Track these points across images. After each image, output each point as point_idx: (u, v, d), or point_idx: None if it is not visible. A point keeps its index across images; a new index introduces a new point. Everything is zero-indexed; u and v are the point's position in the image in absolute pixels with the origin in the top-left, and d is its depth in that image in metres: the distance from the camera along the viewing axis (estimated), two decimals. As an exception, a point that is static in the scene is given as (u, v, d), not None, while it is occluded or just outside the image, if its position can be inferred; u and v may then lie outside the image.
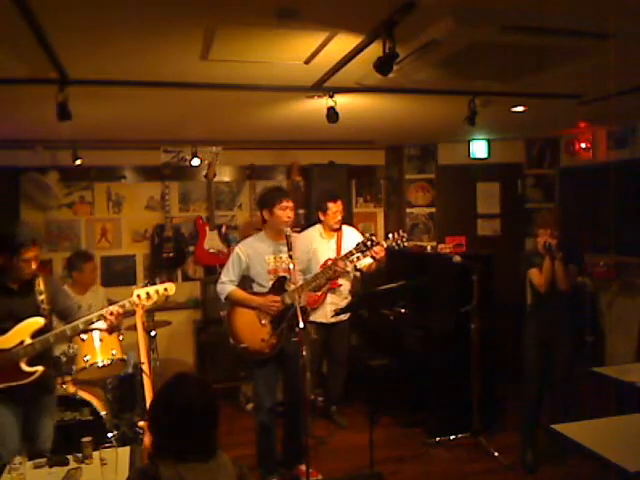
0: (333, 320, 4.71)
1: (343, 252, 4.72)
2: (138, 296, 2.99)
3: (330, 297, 4.74)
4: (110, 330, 3.17)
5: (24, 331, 2.92)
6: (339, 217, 4.75)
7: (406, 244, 3.87)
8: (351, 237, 4.86)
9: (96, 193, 5.73)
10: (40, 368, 2.94)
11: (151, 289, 3.02)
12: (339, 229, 4.83)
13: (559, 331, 3.92)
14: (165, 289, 3.04)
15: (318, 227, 4.84)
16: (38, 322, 2.95)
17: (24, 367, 2.91)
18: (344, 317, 4.74)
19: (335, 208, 4.71)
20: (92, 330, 3.18)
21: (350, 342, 5.23)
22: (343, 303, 4.73)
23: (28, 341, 2.90)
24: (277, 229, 3.71)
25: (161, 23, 2.34)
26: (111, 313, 2.99)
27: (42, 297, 3.03)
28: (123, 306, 3.03)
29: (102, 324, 3.05)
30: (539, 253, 3.88)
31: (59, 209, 5.61)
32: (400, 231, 3.84)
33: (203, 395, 1.89)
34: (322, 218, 4.78)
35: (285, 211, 3.68)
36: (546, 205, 6.16)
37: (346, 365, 5.00)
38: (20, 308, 2.96)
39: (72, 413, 3.72)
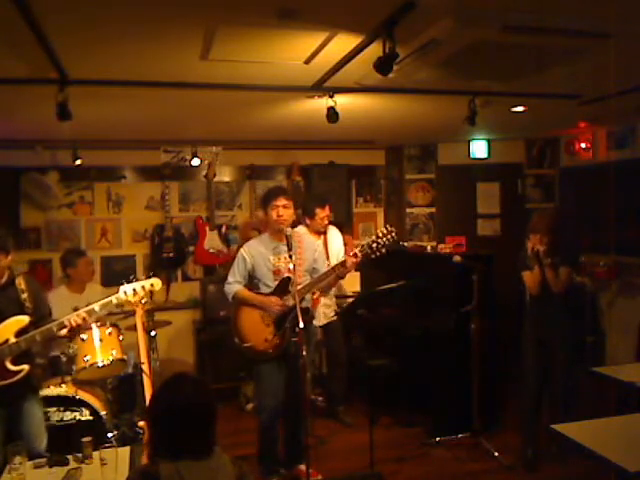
0: (325, 321, 4.72)
1: (330, 252, 4.72)
2: (125, 292, 3.00)
3: (322, 299, 4.70)
4: (70, 336, 3.13)
5: (8, 329, 2.91)
6: (326, 222, 4.69)
7: (394, 237, 3.68)
8: (336, 237, 4.87)
9: (96, 193, 5.72)
10: (26, 367, 2.94)
11: (137, 285, 3.03)
12: (325, 232, 4.80)
13: (557, 331, 3.92)
14: (151, 284, 3.06)
15: (301, 229, 4.61)
16: (23, 320, 2.95)
17: (9, 366, 2.90)
18: (334, 316, 4.76)
19: (323, 214, 4.64)
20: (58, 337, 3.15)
21: (348, 341, 5.22)
22: (332, 302, 4.79)
23: (13, 340, 2.89)
24: (276, 229, 3.70)
25: (161, 23, 2.34)
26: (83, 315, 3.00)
27: (25, 295, 3.03)
28: (107, 304, 3.03)
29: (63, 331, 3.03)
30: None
31: (59, 209, 5.61)
32: (388, 226, 3.67)
33: (200, 394, 1.89)
34: (308, 222, 4.66)
35: (276, 210, 3.66)
36: (546, 205, 6.16)
37: (345, 364, 4.99)
38: (3, 306, 2.95)
39: (72, 413, 3.71)
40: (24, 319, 2.95)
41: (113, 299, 3.03)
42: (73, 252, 4.69)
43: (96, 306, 3.03)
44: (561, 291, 3.86)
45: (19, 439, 2.99)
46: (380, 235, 3.57)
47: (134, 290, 3.01)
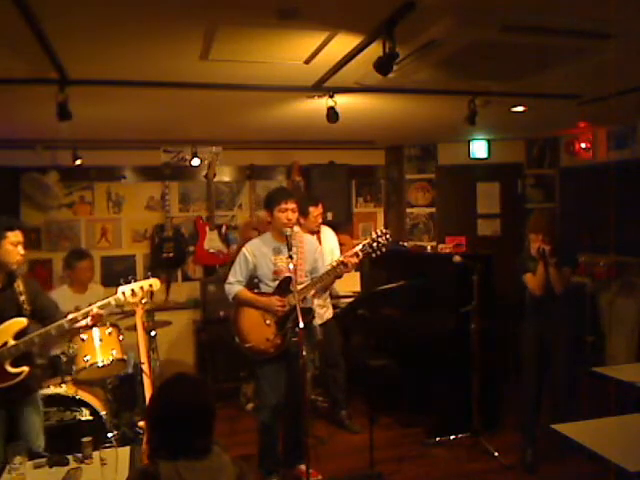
0: (319, 321, 4.69)
1: (324, 252, 4.70)
2: (123, 293, 2.98)
3: (316, 300, 4.66)
4: (91, 325, 3.11)
5: (7, 332, 2.89)
6: (320, 220, 4.69)
7: (389, 239, 3.75)
8: (329, 236, 4.86)
9: (96, 193, 5.73)
10: (26, 369, 2.91)
11: (135, 285, 3.01)
12: (318, 231, 4.80)
13: (557, 331, 3.92)
14: (150, 285, 3.04)
15: (296, 230, 4.71)
16: (21, 322, 2.93)
17: (9, 368, 2.88)
18: (328, 316, 4.75)
19: (316, 212, 4.64)
20: (77, 329, 3.12)
21: (348, 341, 5.21)
22: (326, 302, 4.75)
23: (11, 342, 2.87)
24: (282, 230, 3.70)
25: (161, 23, 2.34)
26: (92, 313, 2.98)
27: (23, 297, 3.01)
28: (105, 305, 3.00)
29: (87, 320, 3.01)
30: (533, 257, 3.89)
31: (59, 209, 5.61)
32: (382, 229, 3.75)
33: (200, 394, 1.90)
34: (302, 222, 4.57)
35: (284, 213, 3.68)
36: (546, 205, 6.17)
37: (342, 366, 4.95)
38: (1, 308, 2.94)
39: (72, 413, 3.71)
40: (22, 321, 2.93)
41: (112, 300, 3.00)
42: (75, 253, 4.68)
43: (94, 307, 3.00)
44: (562, 291, 3.86)
45: (20, 439, 3.00)
46: (375, 237, 3.66)
47: (132, 291, 3.00)
